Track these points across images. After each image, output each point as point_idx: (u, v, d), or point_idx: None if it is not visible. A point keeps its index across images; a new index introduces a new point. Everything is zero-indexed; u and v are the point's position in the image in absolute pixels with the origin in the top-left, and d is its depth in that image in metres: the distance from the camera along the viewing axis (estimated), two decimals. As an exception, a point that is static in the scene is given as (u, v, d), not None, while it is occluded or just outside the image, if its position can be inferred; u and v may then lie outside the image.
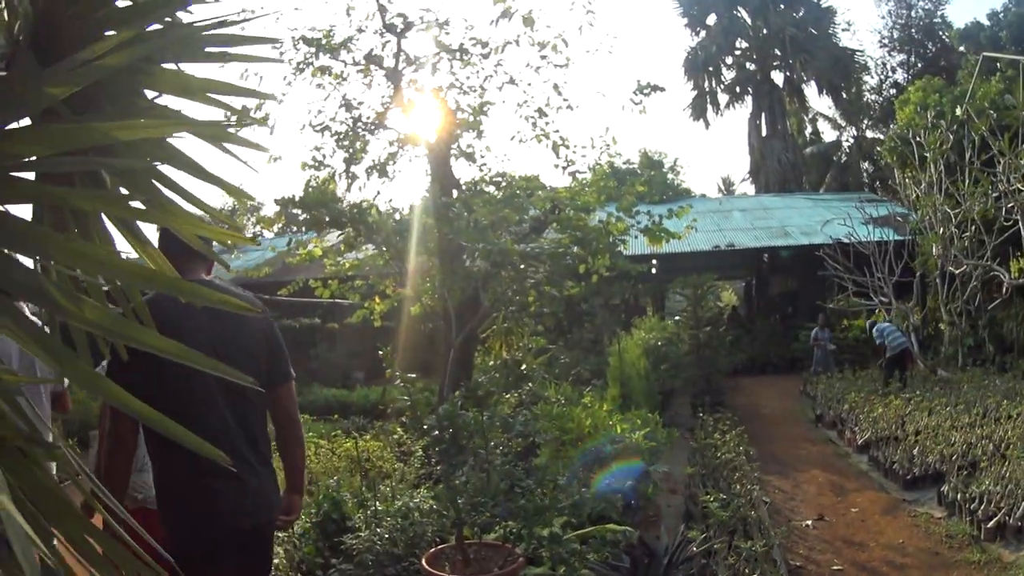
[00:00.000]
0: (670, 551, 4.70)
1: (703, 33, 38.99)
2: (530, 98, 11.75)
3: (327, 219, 4.35)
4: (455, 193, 10.64)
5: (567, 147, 11.55)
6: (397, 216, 9.31)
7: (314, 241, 10.61)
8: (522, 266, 4.62)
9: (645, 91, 11.77)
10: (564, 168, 11.52)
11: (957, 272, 15.66)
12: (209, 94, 1.39)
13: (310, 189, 9.68)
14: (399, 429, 9.26)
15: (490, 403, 3.99)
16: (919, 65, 36.67)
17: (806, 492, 8.63)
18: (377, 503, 5.33)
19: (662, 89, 12.34)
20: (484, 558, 4.59)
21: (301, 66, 11.59)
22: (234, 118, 1.63)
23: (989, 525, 6.61)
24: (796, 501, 8.26)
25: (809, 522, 7.42)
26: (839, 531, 7.27)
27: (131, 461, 2.76)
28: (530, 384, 5.77)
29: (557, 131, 11.55)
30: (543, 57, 11.47)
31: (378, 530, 4.94)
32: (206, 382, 2.66)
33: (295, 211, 9.49)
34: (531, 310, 7.53)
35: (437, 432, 3.81)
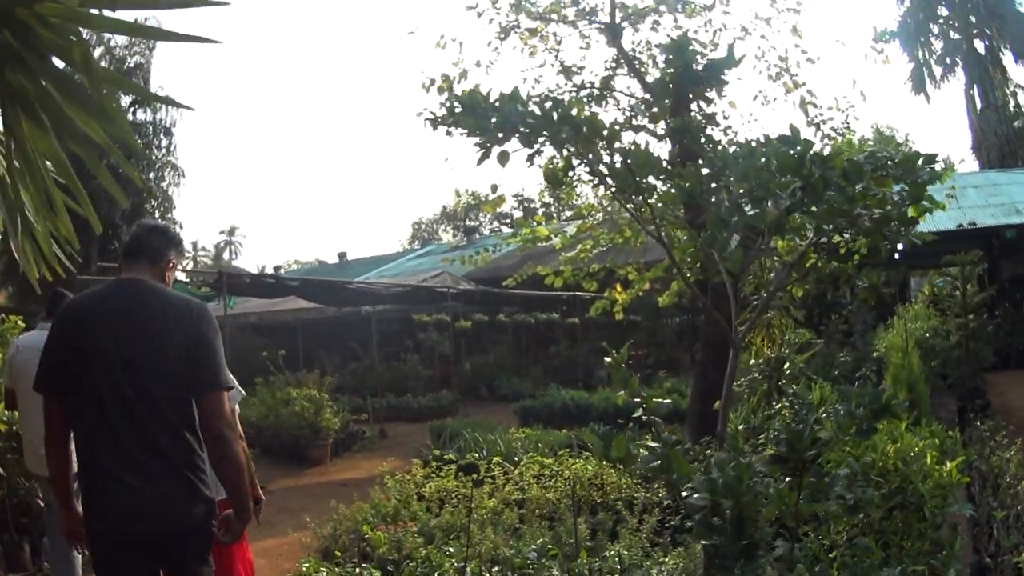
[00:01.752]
0: None
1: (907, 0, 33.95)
2: (768, 49, 10.50)
3: (495, 124, 2.70)
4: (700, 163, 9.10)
5: (815, 105, 10.32)
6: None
7: (537, 219, 9.30)
8: (849, 208, 2.79)
9: (885, 38, 10.04)
10: (817, 127, 10.28)
11: None
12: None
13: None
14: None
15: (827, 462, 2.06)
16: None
17: None
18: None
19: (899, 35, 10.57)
20: None
21: (505, 29, 10.49)
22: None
23: None
24: None
25: None
26: None
27: (64, 455, 2.83)
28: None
29: (804, 83, 10.26)
30: (772, 3, 10.31)
31: None
32: (100, 386, 2.67)
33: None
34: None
35: (707, 511, 2.05)
